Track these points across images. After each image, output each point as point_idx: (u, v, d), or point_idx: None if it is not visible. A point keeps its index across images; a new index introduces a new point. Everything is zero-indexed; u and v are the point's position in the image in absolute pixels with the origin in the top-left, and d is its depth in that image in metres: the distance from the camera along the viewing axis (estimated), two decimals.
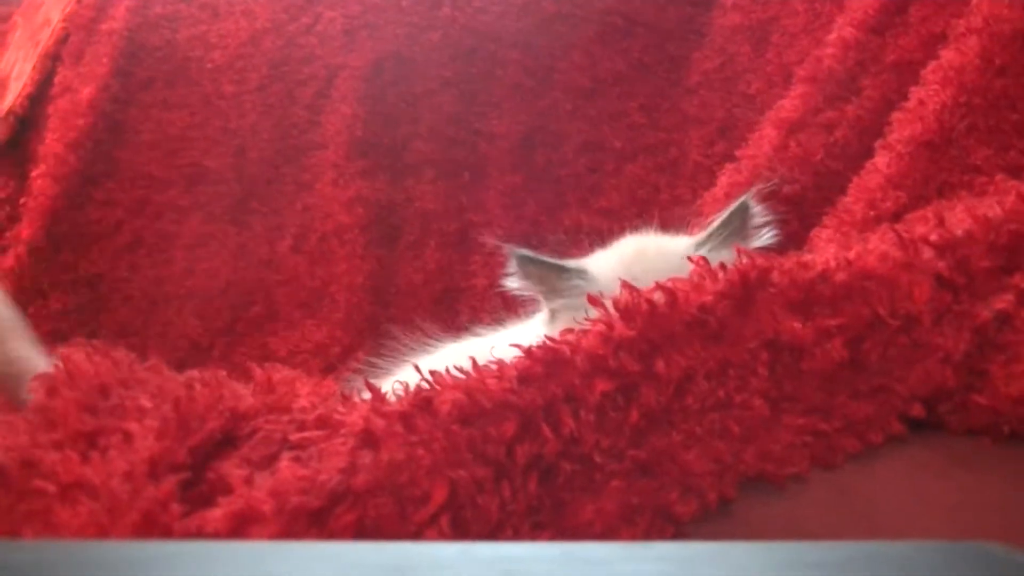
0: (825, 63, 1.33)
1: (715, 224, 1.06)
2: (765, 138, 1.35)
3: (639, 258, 1.04)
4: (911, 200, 1.09)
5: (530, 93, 1.69)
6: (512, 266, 1.04)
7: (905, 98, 1.19)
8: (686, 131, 1.61)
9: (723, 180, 1.39)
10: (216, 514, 0.60)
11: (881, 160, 1.15)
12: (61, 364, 0.73)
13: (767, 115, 1.39)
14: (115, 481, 0.62)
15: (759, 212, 1.08)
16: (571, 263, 1.05)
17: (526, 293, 1.06)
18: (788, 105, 1.35)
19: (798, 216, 1.27)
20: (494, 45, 1.71)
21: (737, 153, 1.40)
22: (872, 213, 1.12)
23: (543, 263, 1.03)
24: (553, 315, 1.04)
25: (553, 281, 1.03)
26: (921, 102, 1.14)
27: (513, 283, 1.05)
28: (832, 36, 1.35)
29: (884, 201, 1.12)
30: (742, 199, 1.07)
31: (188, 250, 1.66)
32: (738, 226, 1.05)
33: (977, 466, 0.74)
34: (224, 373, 0.76)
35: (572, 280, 1.02)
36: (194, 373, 0.76)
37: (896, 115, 1.18)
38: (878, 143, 1.18)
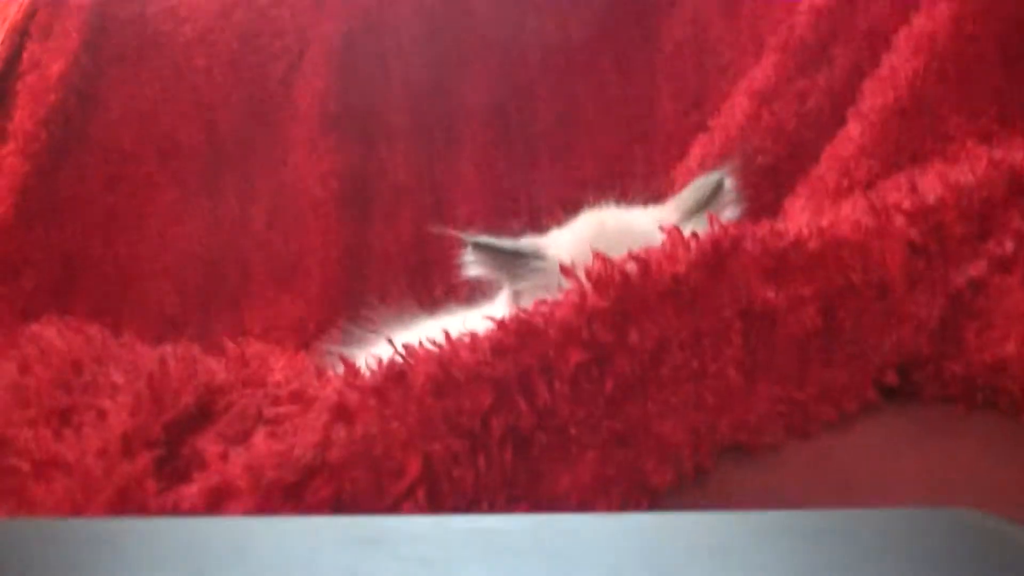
0: (796, 31, 1.32)
1: (680, 196, 1.06)
2: (737, 107, 1.35)
3: (599, 235, 1.03)
4: (884, 168, 1.09)
5: (501, 56, 1.68)
6: (468, 254, 1.04)
7: (877, 66, 1.19)
8: (660, 102, 1.61)
9: (695, 151, 1.38)
10: (192, 490, 0.60)
11: (854, 128, 1.15)
12: (33, 341, 0.73)
13: (739, 84, 1.38)
14: (89, 458, 0.62)
15: (731, 189, 1.08)
16: (527, 245, 1.04)
17: (487, 279, 1.05)
18: (760, 75, 1.34)
19: (772, 186, 1.26)
20: (464, 9, 1.70)
21: (709, 123, 1.40)
22: (845, 182, 1.12)
23: (498, 248, 1.03)
24: (517, 296, 1.03)
25: (512, 265, 1.03)
26: (893, 69, 1.14)
27: (473, 271, 1.04)
28: (803, 4, 1.34)
29: (857, 170, 1.12)
30: (718, 174, 1.06)
31: (162, 225, 1.64)
32: (706, 201, 1.05)
33: (952, 433, 0.74)
34: (197, 348, 0.76)
35: (530, 263, 1.01)
36: (167, 348, 0.75)
37: (868, 83, 1.18)
38: (850, 111, 1.18)
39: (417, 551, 0.41)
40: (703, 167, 1.32)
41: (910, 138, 1.10)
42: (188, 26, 1.72)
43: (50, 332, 0.74)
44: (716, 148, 1.34)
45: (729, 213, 1.06)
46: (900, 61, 1.14)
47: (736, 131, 1.32)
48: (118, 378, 0.70)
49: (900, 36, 1.16)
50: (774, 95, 1.31)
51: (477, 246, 1.03)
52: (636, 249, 0.72)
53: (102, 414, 0.66)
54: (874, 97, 1.14)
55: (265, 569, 0.39)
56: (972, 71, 1.10)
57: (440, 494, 0.62)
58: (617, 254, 0.71)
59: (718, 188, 1.06)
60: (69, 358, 0.73)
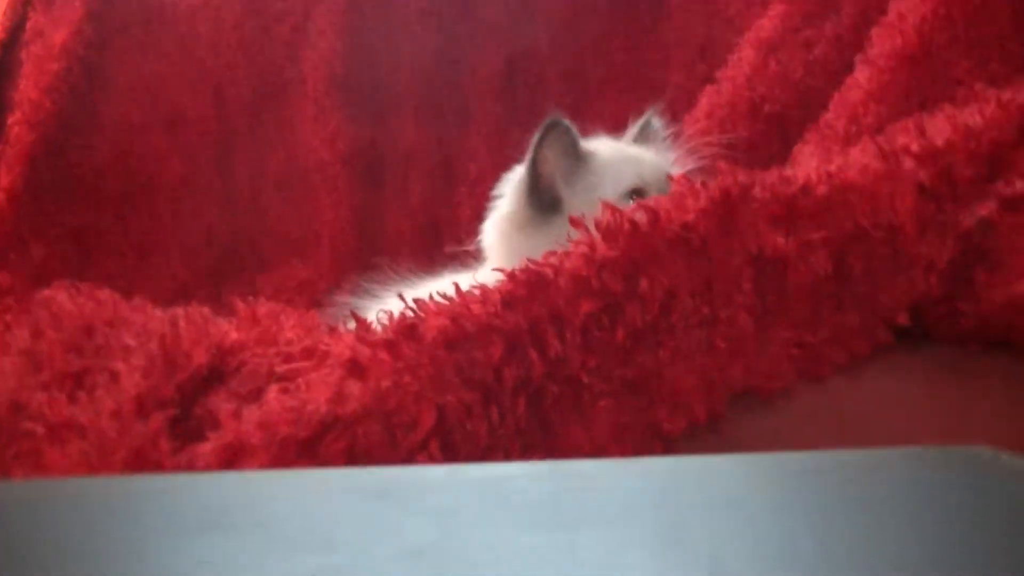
0: None
1: (627, 135, 1.08)
2: (744, 58, 1.34)
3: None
4: (892, 115, 1.08)
5: (510, 23, 1.68)
6: (551, 137, 1.03)
7: (883, 12, 1.18)
8: (667, 54, 1.60)
9: (704, 101, 1.38)
10: (206, 448, 0.60)
11: (862, 75, 1.15)
12: (44, 306, 0.73)
13: (746, 36, 1.38)
14: (103, 420, 0.63)
15: (659, 127, 1.10)
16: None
17: (547, 173, 1.04)
18: (767, 24, 1.34)
19: (779, 134, 1.26)
20: None
21: (717, 74, 1.39)
22: (854, 128, 1.12)
23: (576, 144, 1.04)
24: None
25: (574, 168, 1.03)
26: (901, 16, 1.14)
27: (545, 156, 1.04)
28: None
29: (866, 116, 1.11)
30: (647, 113, 1.08)
31: (172, 195, 1.64)
32: (639, 138, 1.09)
33: (963, 373, 0.74)
34: (207, 310, 0.76)
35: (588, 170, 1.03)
36: (178, 310, 0.75)
37: (876, 30, 1.17)
38: (858, 57, 1.17)
39: (431, 500, 0.41)
40: (711, 117, 1.32)
41: (919, 83, 1.10)
42: None
43: (61, 296, 0.75)
44: (724, 98, 1.33)
45: (660, 148, 1.07)
46: (908, 7, 1.13)
47: (744, 80, 1.32)
48: (130, 341, 0.71)
49: None
50: (781, 44, 1.30)
51: (565, 130, 1.03)
52: None
53: (115, 376, 0.66)
54: (882, 43, 1.14)
55: (280, 521, 0.39)
56: (980, 16, 1.09)
57: (454, 446, 0.62)
58: None
59: (646, 126, 1.10)
60: (81, 322, 0.73)
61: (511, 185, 1.07)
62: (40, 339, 0.71)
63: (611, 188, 1.02)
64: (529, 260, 0.68)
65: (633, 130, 1.11)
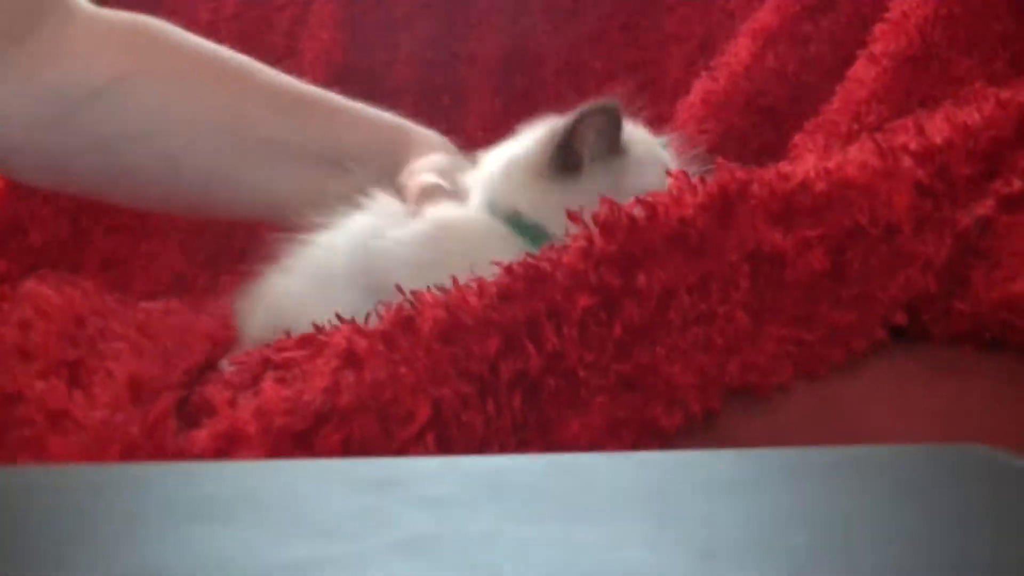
0: None
1: None
2: (742, 47, 1.34)
3: None
4: (894, 114, 1.08)
5: (509, 14, 1.68)
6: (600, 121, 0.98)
7: (881, 12, 1.18)
8: (666, 48, 1.60)
9: (698, 87, 1.37)
10: (201, 434, 0.60)
11: (866, 73, 1.15)
12: (28, 300, 0.73)
13: (743, 26, 1.38)
14: (102, 407, 0.63)
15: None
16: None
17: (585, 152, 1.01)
18: (764, 16, 1.33)
19: (773, 127, 1.26)
20: None
21: (712, 63, 1.39)
22: (856, 127, 1.12)
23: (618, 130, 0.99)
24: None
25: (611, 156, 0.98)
26: (904, 15, 1.14)
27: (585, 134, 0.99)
28: None
29: (868, 115, 1.11)
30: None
31: None
32: None
33: (960, 373, 0.74)
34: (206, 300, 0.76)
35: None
36: (173, 302, 0.75)
37: (880, 27, 1.18)
38: (862, 54, 1.17)
39: (428, 491, 0.41)
40: (706, 104, 1.31)
41: (920, 83, 1.10)
42: None
43: (45, 289, 0.74)
44: (720, 86, 1.33)
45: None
46: (911, 6, 1.13)
47: (740, 70, 1.32)
48: (123, 330, 0.71)
49: None
50: (778, 37, 1.30)
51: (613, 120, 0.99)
52: None
53: (112, 363, 0.67)
54: (886, 42, 1.14)
55: (276, 511, 0.39)
56: (983, 14, 1.09)
57: (449, 439, 0.62)
58: None
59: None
60: (70, 313, 0.73)
61: (533, 135, 1.03)
62: (29, 331, 0.71)
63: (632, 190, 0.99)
64: (527, 254, 0.68)
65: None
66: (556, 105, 1.59)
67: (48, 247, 1.51)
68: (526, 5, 1.69)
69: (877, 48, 1.15)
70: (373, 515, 0.38)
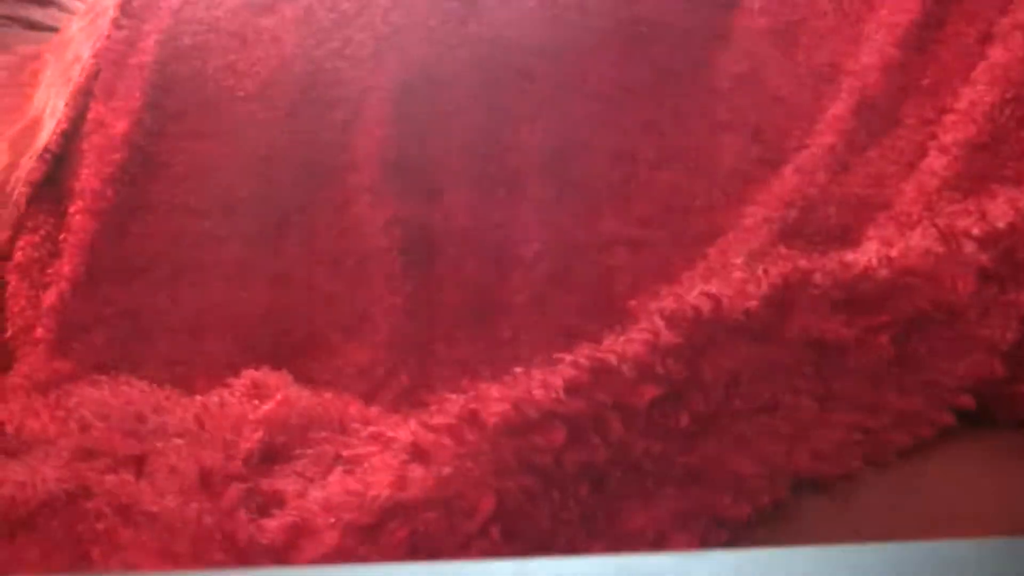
0: (869, 91, 1.32)
1: None
2: (812, 157, 1.34)
3: None
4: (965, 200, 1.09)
5: (560, 105, 1.69)
6: None
7: (942, 114, 1.19)
8: (718, 136, 1.60)
9: (763, 195, 1.38)
10: (272, 524, 0.60)
11: (938, 163, 1.16)
12: (83, 405, 0.75)
13: (810, 136, 1.38)
14: (172, 497, 0.63)
15: None
16: None
17: None
18: (829, 136, 1.34)
19: (853, 215, 1.26)
20: (521, 59, 1.71)
21: (780, 170, 1.39)
22: (928, 215, 1.12)
23: None
24: None
25: None
26: (972, 103, 1.15)
27: None
28: (871, 58, 1.34)
29: (939, 202, 1.12)
30: None
31: (226, 279, 1.66)
32: None
33: None
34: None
35: None
36: (225, 393, 0.76)
37: (949, 117, 1.18)
38: (933, 144, 1.18)
39: None
40: (767, 207, 1.32)
41: (989, 169, 1.10)
42: (248, 80, 1.74)
43: (99, 393, 0.76)
44: (786, 193, 1.33)
45: None
46: (978, 94, 1.14)
47: (809, 180, 1.32)
48: (182, 423, 0.71)
49: (978, 70, 1.17)
50: (844, 161, 1.31)
51: None
52: None
53: (175, 455, 0.67)
54: (956, 131, 1.14)
55: None
56: None
57: (515, 532, 0.62)
58: None
59: None
60: (130, 410, 0.74)
61: None
62: (89, 431, 0.72)
63: None
64: (590, 346, 0.68)
65: None
66: (609, 192, 1.61)
67: (111, 346, 1.52)
68: (575, 95, 1.70)
69: (947, 137, 1.16)
70: None
